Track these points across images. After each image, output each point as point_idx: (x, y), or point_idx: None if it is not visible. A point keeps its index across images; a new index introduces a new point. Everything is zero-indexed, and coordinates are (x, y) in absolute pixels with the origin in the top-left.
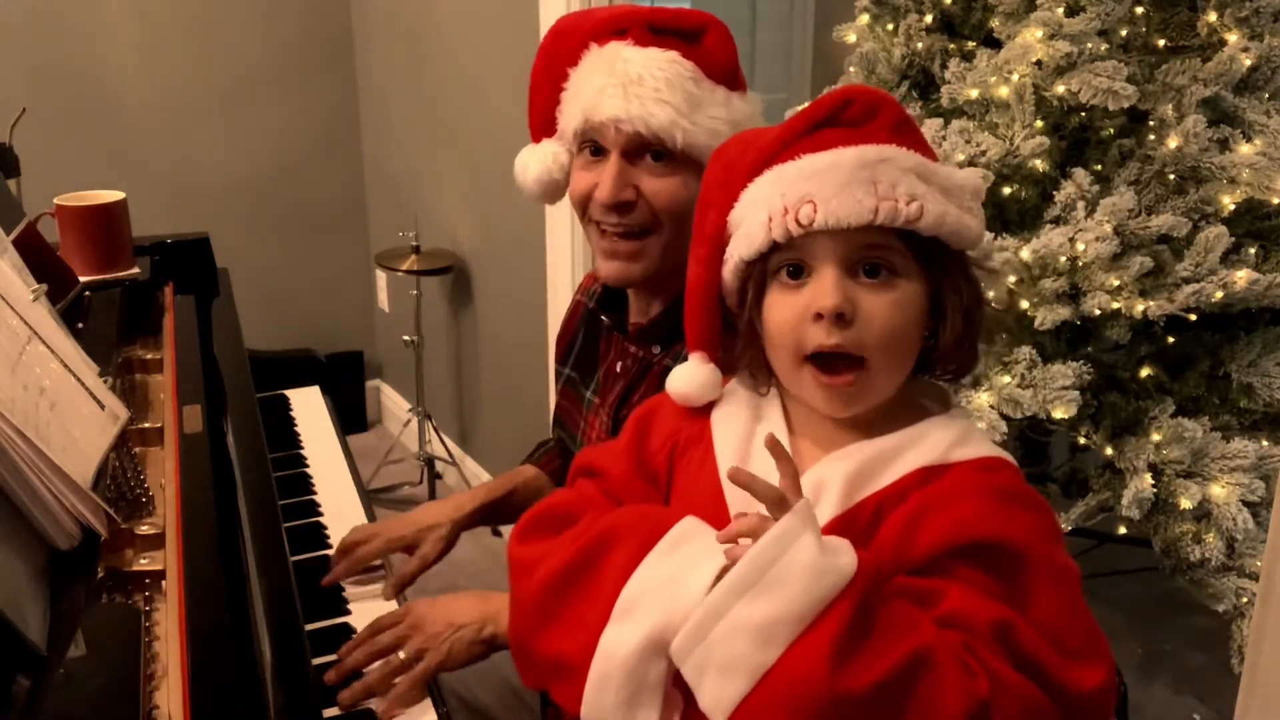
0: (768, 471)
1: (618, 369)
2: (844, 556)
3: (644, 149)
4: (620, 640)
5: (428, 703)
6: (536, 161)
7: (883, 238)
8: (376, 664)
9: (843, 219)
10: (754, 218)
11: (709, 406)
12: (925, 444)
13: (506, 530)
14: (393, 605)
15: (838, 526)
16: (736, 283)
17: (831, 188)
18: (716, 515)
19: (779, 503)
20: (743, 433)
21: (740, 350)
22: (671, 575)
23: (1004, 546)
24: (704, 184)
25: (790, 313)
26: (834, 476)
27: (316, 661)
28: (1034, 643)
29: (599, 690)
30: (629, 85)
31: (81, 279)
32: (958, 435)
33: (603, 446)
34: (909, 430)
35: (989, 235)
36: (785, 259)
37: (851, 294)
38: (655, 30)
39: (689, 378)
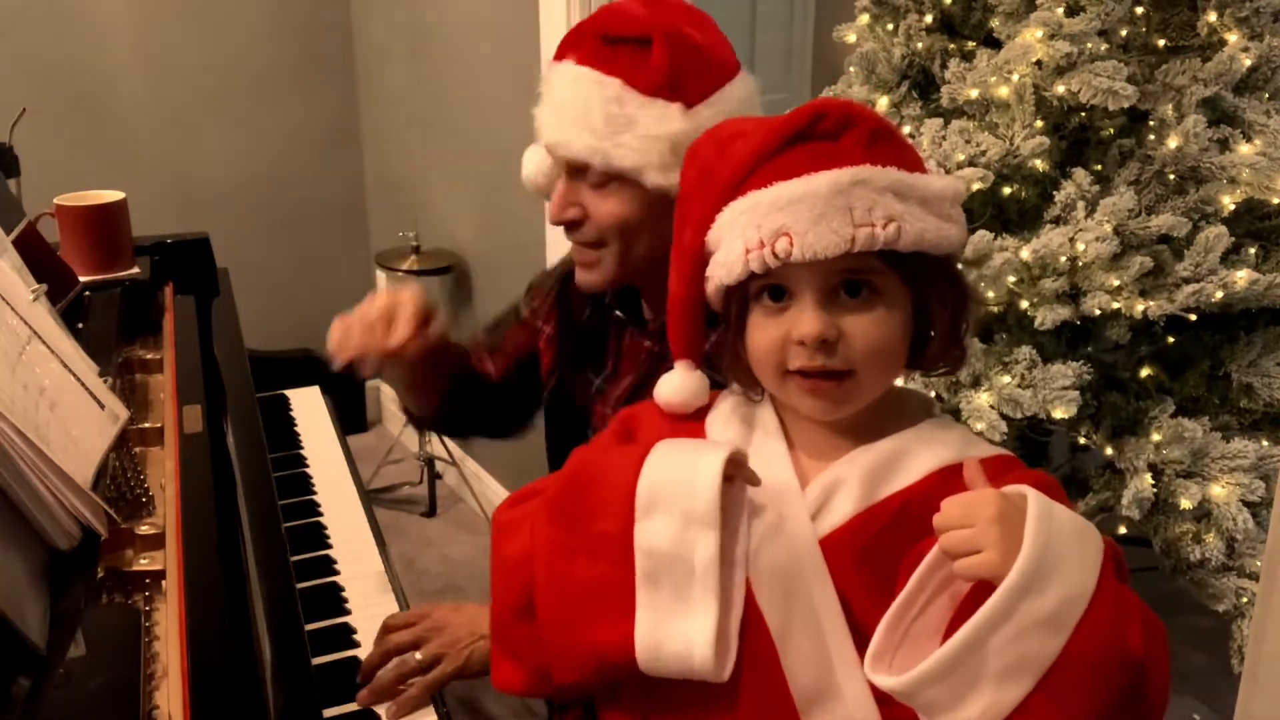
0: (764, 478)
1: (630, 363)
2: (1071, 513)
3: (581, 170)
4: (654, 533)
5: (428, 701)
6: (529, 162)
7: (862, 260)
8: (391, 663)
9: (819, 252)
10: (730, 246)
11: (700, 414)
12: (937, 443)
13: None
14: (391, 599)
15: (859, 524)
16: (719, 301)
17: (806, 220)
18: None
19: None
20: (739, 441)
21: (727, 366)
22: (684, 464)
23: None
24: (682, 185)
25: (772, 337)
26: (851, 475)
27: (316, 661)
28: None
29: (651, 590)
30: (556, 110)
31: (81, 279)
32: (963, 436)
33: (590, 445)
34: (912, 431)
35: (989, 235)
36: (765, 283)
37: (833, 318)
38: (609, 40)
39: (677, 386)
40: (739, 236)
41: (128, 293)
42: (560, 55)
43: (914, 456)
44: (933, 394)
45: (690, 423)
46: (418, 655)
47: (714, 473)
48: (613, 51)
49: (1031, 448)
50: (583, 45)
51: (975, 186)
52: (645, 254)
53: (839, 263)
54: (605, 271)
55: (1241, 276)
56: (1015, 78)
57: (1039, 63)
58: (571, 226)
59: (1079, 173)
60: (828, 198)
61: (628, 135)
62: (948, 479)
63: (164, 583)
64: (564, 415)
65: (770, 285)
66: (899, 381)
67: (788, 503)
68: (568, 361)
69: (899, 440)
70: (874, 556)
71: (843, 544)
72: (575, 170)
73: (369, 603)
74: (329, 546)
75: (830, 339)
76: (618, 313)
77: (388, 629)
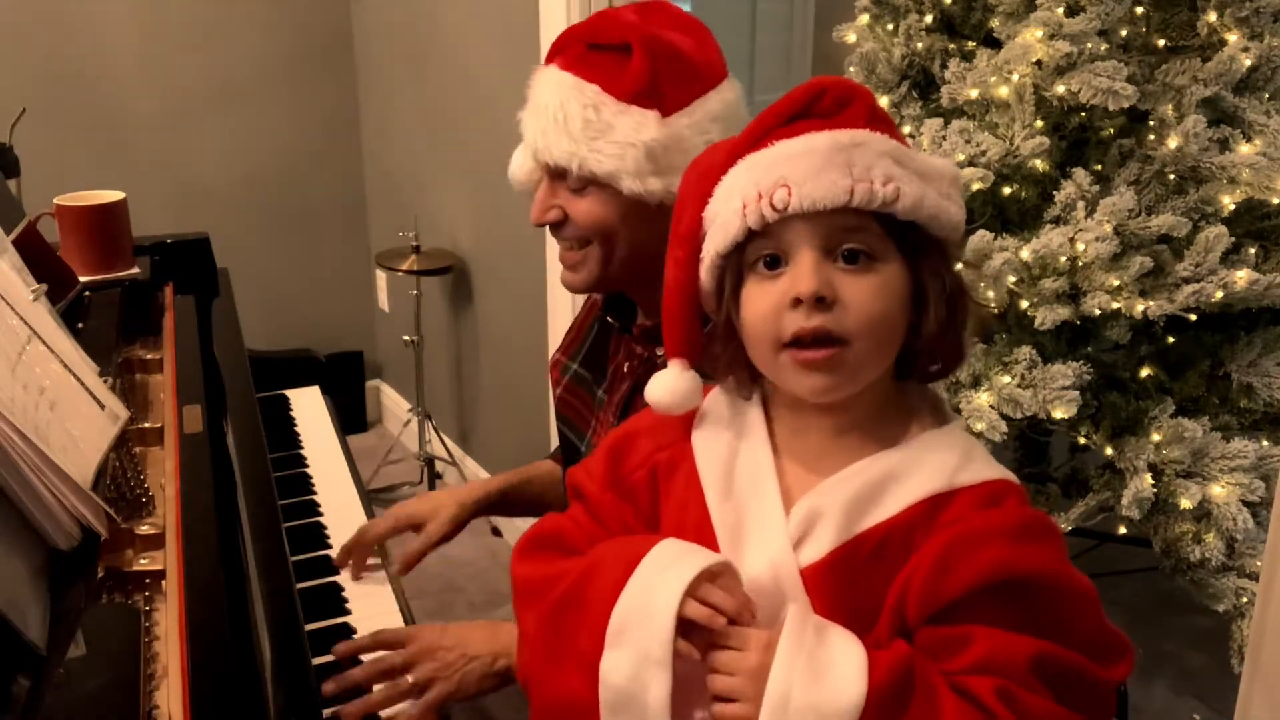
0: (750, 496)
1: (625, 369)
2: (847, 692)
3: (561, 173)
4: (615, 666)
5: None
6: (514, 162)
7: (860, 220)
8: (381, 684)
9: (818, 201)
10: (728, 207)
11: (688, 426)
12: (926, 468)
13: (505, 528)
14: (391, 600)
15: (840, 556)
16: (713, 280)
17: (806, 171)
18: (704, 539)
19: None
20: (726, 453)
21: (720, 349)
22: (650, 594)
23: (1032, 581)
24: (680, 190)
25: (767, 301)
26: (832, 505)
27: (316, 661)
28: (1073, 662)
29: None
30: (538, 114)
31: (81, 279)
32: (959, 456)
33: (583, 466)
34: (906, 450)
35: (989, 235)
36: (761, 249)
37: (831, 278)
38: (593, 47)
39: (669, 386)
40: (737, 194)
41: (128, 293)
42: (548, 60)
43: (900, 483)
44: None
45: (681, 437)
46: (409, 678)
47: (668, 609)
48: (595, 58)
49: (1031, 448)
50: (567, 50)
51: (975, 186)
52: (626, 257)
53: (837, 220)
54: (589, 272)
55: (1241, 276)
56: (1015, 78)
57: (1039, 63)
58: (555, 227)
59: (1079, 173)
60: (828, 153)
61: (603, 141)
62: (932, 510)
63: (164, 583)
64: (569, 438)
65: (766, 254)
66: None
67: (772, 531)
68: (573, 380)
69: (887, 460)
70: (854, 589)
71: (823, 576)
72: (556, 174)
73: (369, 603)
74: (329, 546)
75: (827, 297)
76: (609, 319)
77: (379, 642)
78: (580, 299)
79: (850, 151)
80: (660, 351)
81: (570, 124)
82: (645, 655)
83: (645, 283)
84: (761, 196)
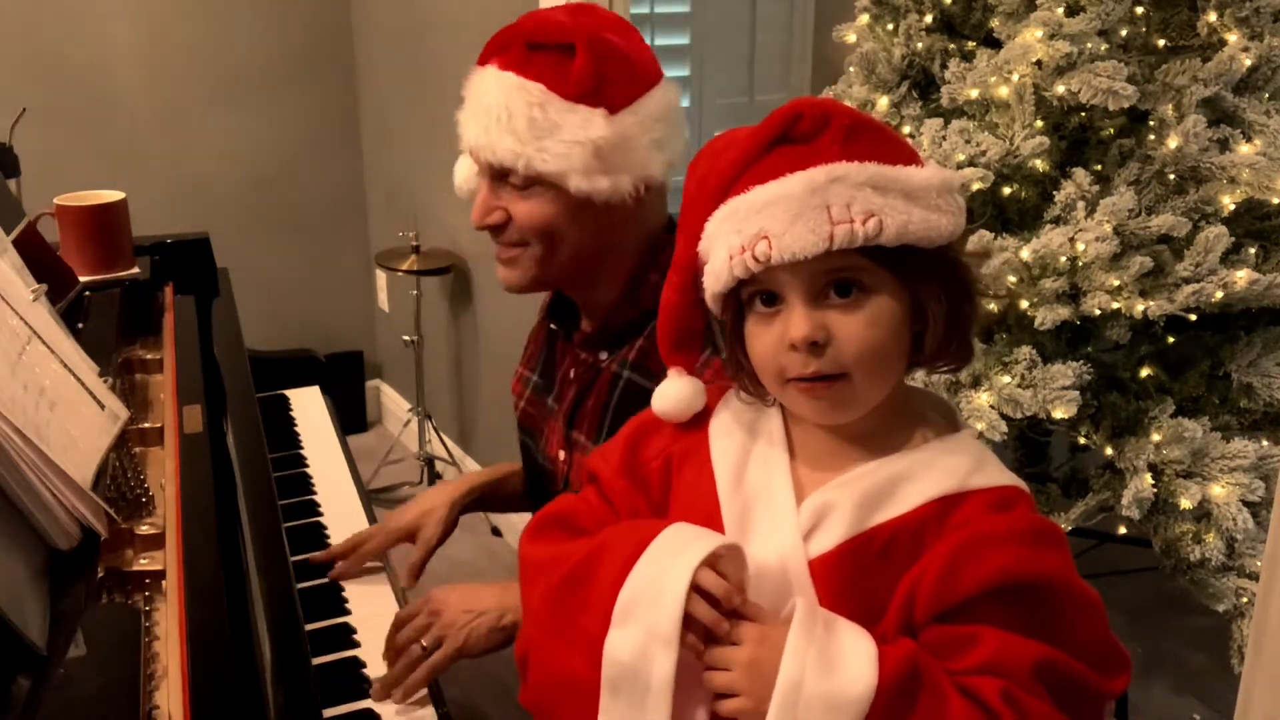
0: (761, 489)
1: (570, 375)
2: (859, 682)
3: (504, 173)
4: (621, 643)
5: (428, 701)
6: (459, 172)
7: (846, 259)
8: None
9: (798, 252)
10: (716, 255)
11: (706, 419)
12: (939, 470)
13: (504, 526)
14: (391, 599)
15: (848, 550)
16: (718, 311)
17: (783, 221)
18: (710, 526)
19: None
20: (740, 448)
21: (732, 376)
22: (660, 573)
23: (1041, 586)
24: (684, 197)
25: (767, 343)
26: (843, 499)
27: (316, 661)
28: (1075, 670)
29: (612, 699)
30: (480, 115)
31: (81, 279)
32: (971, 461)
33: (602, 449)
34: (919, 453)
35: (989, 235)
36: (755, 289)
37: (822, 319)
38: (533, 47)
39: (669, 393)
40: (723, 243)
41: (128, 293)
42: (484, 60)
43: (912, 483)
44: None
45: (698, 429)
46: (423, 642)
47: (679, 589)
48: (538, 57)
49: (1031, 448)
50: (507, 51)
51: (975, 186)
52: (568, 259)
53: (822, 263)
54: (525, 270)
55: (1241, 276)
56: (1015, 78)
57: (1039, 63)
58: (496, 230)
59: (1079, 173)
60: (802, 197)
61: (550, 140)
62: (942, 510)
63: (164, 583)
64: (530, 449)
65: (761, 291)
66: (919, 382)
67: (781, 522)
68: (533, 391)
69: (901, 462)
70: (861, 584)
71: (831, 569)
72: (498, 174)
73: (369, 603)
74: (329, 546)
75: (819, 340)
76: (552, 325)
77: (397, 625)
78: None
79: (826, 191)
80: (604, 356)
81: (515, 123)
82: (653, 633)
83: (585, 283)
84: (744, 249)
